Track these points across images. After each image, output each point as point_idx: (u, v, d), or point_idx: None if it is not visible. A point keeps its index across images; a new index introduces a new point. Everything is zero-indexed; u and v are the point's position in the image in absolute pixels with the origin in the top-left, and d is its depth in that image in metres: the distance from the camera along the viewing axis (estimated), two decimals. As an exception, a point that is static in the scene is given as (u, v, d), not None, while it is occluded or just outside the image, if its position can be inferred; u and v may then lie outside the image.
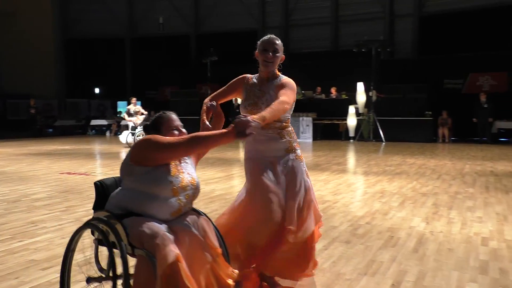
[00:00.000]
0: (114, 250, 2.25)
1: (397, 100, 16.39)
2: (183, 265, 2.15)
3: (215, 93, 3.05)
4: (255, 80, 2.98)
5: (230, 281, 2.38)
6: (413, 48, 19.87)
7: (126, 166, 2.45)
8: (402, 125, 15.97)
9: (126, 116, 14.68)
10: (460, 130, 16.20)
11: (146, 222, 2.26)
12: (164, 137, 2.43)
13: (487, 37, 17.40)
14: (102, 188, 2.56)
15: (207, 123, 2.82)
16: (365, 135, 16.28)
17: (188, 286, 2.11)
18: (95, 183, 2.57)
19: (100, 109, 24.37)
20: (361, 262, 3.49)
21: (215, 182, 7.26)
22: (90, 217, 2.49)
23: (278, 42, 2.90)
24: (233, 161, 10.41)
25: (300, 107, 17.35)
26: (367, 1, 20.73)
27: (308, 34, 21.95)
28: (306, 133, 16.80)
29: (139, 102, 16.17)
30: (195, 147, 2.41)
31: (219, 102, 2.99)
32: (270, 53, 2.86)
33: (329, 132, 17.13)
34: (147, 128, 2.63)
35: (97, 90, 24.72)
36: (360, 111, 16.69)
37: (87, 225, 2.42)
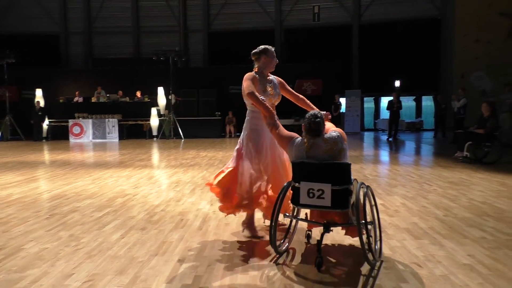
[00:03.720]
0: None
1: (192, 103, 17.06)
2: None
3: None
4: (258, 76, 3.78)
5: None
6: (204, 58, 20.87)
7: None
8: (197, 124, 16.64)
9: None
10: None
11: None
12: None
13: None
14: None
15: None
16: (166, 133, 16.40)
17: None
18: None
19: None
20: (153, 245, 3.54)
21: (13, 186, 6.36)
22: None
23: None
24: (35, 163, 9.24)
25: (106, 109, 16.47)
26: (164, 15, 20.86)
27: (111, 41, 20.94)
28: (113, 134, 15.99)
29: None
30: None
31: None
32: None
33: (134, 132, 16.69)
34: (313, 131, 2.96)
35: None
36: (162, 112, 16.77)
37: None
